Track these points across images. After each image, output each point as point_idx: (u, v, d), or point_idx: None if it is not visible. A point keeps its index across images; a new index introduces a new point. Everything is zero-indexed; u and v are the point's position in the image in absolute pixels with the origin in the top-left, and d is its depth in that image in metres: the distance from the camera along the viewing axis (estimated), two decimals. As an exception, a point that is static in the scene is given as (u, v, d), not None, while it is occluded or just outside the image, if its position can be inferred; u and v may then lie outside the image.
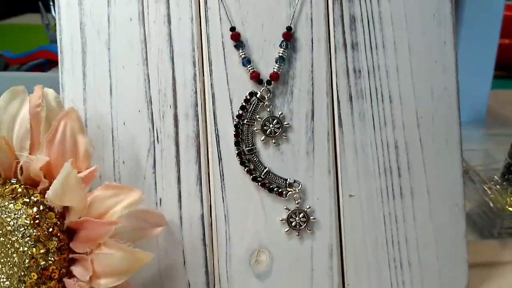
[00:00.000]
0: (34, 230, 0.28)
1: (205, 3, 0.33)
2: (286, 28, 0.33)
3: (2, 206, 0.28)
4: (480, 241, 0.44)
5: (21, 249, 0.27)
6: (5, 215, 0.28)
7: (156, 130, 0.33)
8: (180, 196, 0.33)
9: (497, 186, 0.44)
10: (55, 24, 0.61)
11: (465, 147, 0.50)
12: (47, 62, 0.64)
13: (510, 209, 0.42)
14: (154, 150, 0.33)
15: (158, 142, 0.33)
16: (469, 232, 0.45)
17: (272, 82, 0.33)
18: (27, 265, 0.27)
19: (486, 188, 0.44)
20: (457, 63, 0.35)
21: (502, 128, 0.73)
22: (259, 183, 0.33)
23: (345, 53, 0.33)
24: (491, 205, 0.43)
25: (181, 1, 0.32)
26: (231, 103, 0.33)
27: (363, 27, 0.34)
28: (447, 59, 0.34)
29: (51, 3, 0.67)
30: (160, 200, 0.33)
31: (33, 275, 0.27)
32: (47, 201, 0.28)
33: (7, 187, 0.29)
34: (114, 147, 0.32)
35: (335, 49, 0.33)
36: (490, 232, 0.45)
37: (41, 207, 0.28)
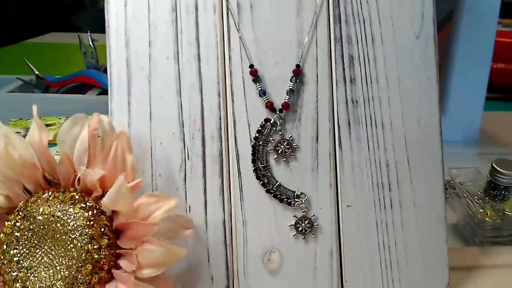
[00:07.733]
0: (89, 230, 0.32)
1: (229, 45, 0.38)
2: (296, 65, 0.38)
3: (63, 210, 0.33)
4: (463, 247, 0.48)
5: (78, 245, 0.32)
6: (66, 217, 0.33)
7: (187, 149, 0.38)
8: (206, 204, 0.38)
9: (480, 201, 0.48)
10: (91, 52, 0.68)
11: (458, 165, 0.55)
12: (84, 85, 0.68)
13: (489, 220, 0.46)
14: (185, 166, 0.38)
15: (188, 159, 0.38)
16: (456, 240, 0.50)
17: (283, 110, 0.38)
18: (83, 258, 0.32)
19: (470, 202, 0.48)
20: (439, 96, 0.40)
21: (494, 147, 0.77)
22: (272, 195, 0.38)
23: (344, 86, 0.39)
24: (473, 217, 0.48)
25: (209, 43, 0.38)
26: (249, 128, 0.38)
27: (360, 65, 0.39)
28: (431, 92, 0.40)
29: (90, 36, 0.70)
30: (189, 207, 0.38)
31: (88, 266, 0.32)
32: (100, 206, 0.34)
33: (66, 194, 0.34)
34: (152, 163, 0.38)
35: (336, 83, 0.39)
36: (473, 240, 0.49)
37: (95, 211, 0.33)
